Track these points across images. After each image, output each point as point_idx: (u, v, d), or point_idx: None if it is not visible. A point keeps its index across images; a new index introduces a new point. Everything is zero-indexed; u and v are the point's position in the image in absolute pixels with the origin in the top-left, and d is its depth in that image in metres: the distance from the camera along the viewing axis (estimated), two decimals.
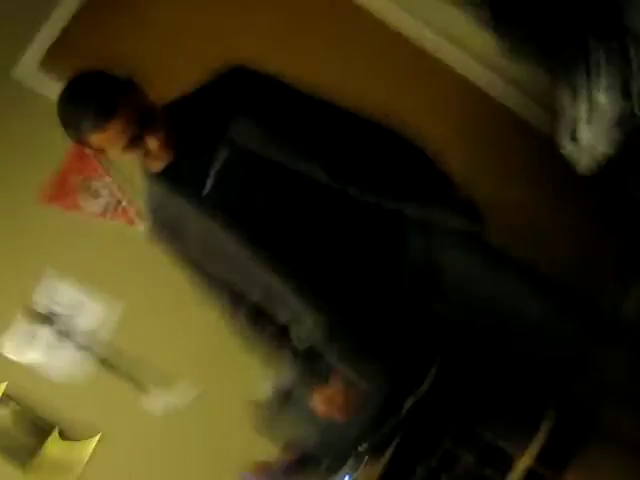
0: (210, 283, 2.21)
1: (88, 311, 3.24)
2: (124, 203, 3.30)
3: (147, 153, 1.99)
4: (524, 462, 2.77)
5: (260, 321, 2.19)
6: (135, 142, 1.95)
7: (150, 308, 3.25)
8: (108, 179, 3.29)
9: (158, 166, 2.07)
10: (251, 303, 2.17)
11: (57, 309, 3.24)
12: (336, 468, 2.34)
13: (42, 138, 3.17)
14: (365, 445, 2.27)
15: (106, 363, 3.19)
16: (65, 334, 3.21)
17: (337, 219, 2.07)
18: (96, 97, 1.91)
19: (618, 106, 1.87)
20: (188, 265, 2.22)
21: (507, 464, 2.77)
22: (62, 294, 3.25)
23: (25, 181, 3.25)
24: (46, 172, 3.27)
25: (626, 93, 1.89)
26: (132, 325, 3.24)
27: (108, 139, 1.93)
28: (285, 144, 2.03)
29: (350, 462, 2.31)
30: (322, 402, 2.20)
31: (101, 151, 2.00)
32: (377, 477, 2.32)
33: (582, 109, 1.97)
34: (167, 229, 2.17)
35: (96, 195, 3.30)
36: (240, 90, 2.08)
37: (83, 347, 3.21)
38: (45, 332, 3.21)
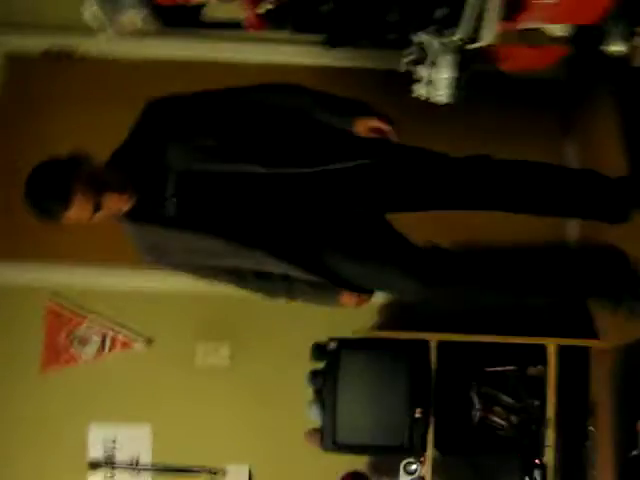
0: (204, 273, 2.56)
1: (127, 442, 3.51)
2: (112, 333, 3.53)
3: (112, 209, 2.27)
4: None
5: (263, 275, 2.53)
6: (98, 207, 2.21)
7: (175, 417, 3.50)
8: (87, 321, 3.52)
9: (125, 209, 2.34)
10: (248, 269, 2.52)
11: (110, 451, 3.50)
12: None
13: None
14: None
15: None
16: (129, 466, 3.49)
17: (276, 193, 2.40)
18: (51, 189, 2.16)
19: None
20: (181, 270, 2.56)
21: None
22: (108, 438, 3.50)
23: (23, 362, 3.50)
24: (37, 346, 3.51)
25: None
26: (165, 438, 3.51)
27: (76, 216, 2.20)
28: (214, 155, 2.34)
29: None
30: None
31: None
32: None
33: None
34: (152, 252, 2.47)
35: (85, 341, 3.53)
36: (158, 121, 2.37)
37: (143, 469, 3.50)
38: (114, 472, 3.50)
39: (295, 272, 2.47)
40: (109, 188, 2.21)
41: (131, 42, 3.24)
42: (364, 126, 2.40)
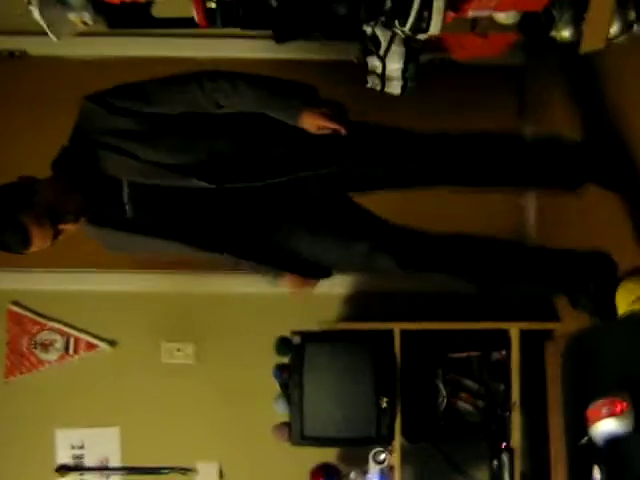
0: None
1: (96, 445, 3.49)
2: (74, 337, 3.50)
3: (72, 231, 2.25)
4: None
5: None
6: (58, 234, 2.20)
7: (142, 420, 3.50)
8: (49, 325, 3.49)
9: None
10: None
11: (79, 455, 3.49)
12: None
13: None
14: None
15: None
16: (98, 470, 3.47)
17: (229, 200, 2.38)
18: (8, 231, 2.14)
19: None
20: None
21: None
22: (75, 442, 3.48)
23: None
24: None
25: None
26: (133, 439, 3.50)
27: (37, 248, 2.19)
28: (158, 171, 2.29)
29: None
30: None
31: None
32: None
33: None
34: (117, 249, 2.51)
35: (48, 345, 3.50)
36: (93, 126, 2.30)
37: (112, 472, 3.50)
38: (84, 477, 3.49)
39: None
40: (65, 219, 2.20)
41: (81, 41, 3.19)
42: (311, 124, 2.33)
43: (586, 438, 2.07)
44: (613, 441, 2.06)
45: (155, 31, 3.18)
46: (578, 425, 2.15)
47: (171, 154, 2.30)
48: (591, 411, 2.09)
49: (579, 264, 2.67)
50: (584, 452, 2.15)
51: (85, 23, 2.57)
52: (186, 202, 2.36)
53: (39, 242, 2.17)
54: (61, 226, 2.20)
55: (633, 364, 2.07)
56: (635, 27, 2.13)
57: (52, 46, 2.71)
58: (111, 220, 2.35)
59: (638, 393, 1.99)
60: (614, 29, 2.10)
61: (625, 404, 1.99)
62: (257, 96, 2.32)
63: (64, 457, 3.47)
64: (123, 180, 2.31)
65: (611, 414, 1.98)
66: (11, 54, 3.50)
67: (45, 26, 2.48)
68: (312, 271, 2.61)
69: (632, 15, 2.11)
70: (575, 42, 2.13)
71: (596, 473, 2.09)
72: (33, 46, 3.41)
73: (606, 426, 2.03)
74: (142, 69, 2.92)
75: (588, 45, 2.07)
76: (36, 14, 2.44)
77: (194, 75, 2.33)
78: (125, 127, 2.28)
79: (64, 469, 3.46)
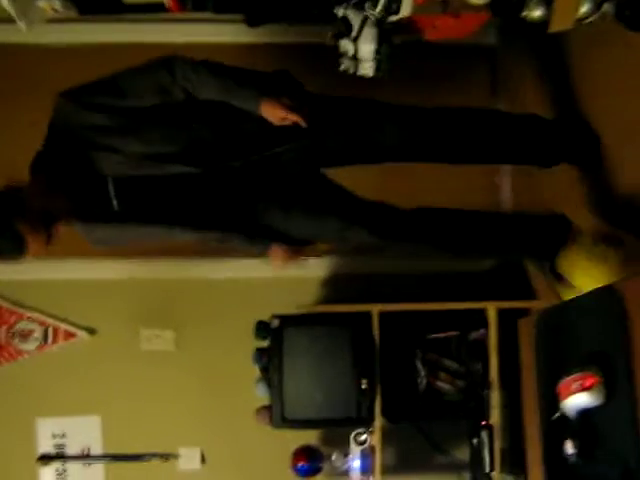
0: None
1: (77, 434, 3.49)
2: (53, 326, 3.48)
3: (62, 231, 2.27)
4: None
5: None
6: (50, 237, 2.21)
7: (123, 408, 3.49)
8: (27, 314, 3.47)
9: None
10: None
11: (61, 444, 3.48)
12: None
13: None
14: None
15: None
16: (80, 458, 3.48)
17: (213, 182, 2.41)
18: (3, 239, 2.15)
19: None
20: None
21: None
22: (57, 431, 3.48)
23: None
24: None
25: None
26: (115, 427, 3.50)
27: (33, 253, 2.20)
28: (141, 162, 2.31)
29: None
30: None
31: None
32: None
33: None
34: (107, 243, 2.51)
35: (27, 334, 3.48)
36: (71, 122, 2.29)
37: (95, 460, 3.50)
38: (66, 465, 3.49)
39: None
40: (57, 221, 2.22)
41: (52, 28, 3.17)
42: (272, 114, 2.34)
43: (558, 413, 2.11)
44: (584, 415, 2.09)
45: (126, 17, 3.16)
46: (551, 400, 2.18)
47: (154, 145, 2.31)
48: (562, 386, 2.12)
49: (539, 226, 2.73)
50: (557, 427, 2.18)
51: (55, 10, 2.56)
52: (172, 188, 2.37)
53: (35, 247, 2.19)
54: (54, 229, 2.21)
55: (602, 339, 2.10)
56: (605, 7, 2.14)
57: (21, 34, 2.69)
58: (100, 215, 2.36)
59: (607, 367, 2.02)
60: (584, 9, 2.12)
61: (595, 378, 2.03)
62: (219, 86, 2.33)
63: (46, 446, 3.47)
64: (108, 175, 2.31)
65: (582, 388, 2.02)
66: None
67: (14, 13, 2.46)
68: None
69: None
70: (546, 22, 2.15)
71: (568, 447, 2.13)
72: (2, 34, 3.36)
73: (577, 400, 2.07)
74: (114, 55, 2.93)
75: (557, 25, 2.08)
76: (5, 1, 2.42)
77: (164, 63, 2.32)
78: (103, 123, 2.28)
79: (46, 458, 3.46)
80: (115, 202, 2.34)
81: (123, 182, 2.33)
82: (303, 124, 2.35)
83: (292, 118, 2.33)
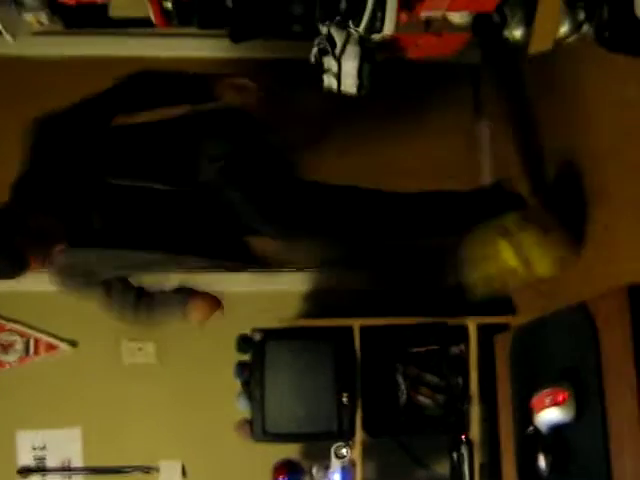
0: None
1: (57, 446, 3.49)
2: (34, 338, 3.48)
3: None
4: None
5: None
6: (47, 256, 2.26)
7: (104, 420, 3.49)
8: (8, 326, 3.46)
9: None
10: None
11: (41, 457, 3.47)
12: None
13: None
14: None
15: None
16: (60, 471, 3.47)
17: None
18: (5, 259, 2.18)
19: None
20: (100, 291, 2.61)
21: None
22: (37, 444, 3.47)
23: None
24: None
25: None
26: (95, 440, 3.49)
27: (33, 270, 2.24)
28: (122, 172, 2.35)
29: None
30: None
31: None
32: None
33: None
34: (80, 277, 2.50)
35: (8, 346, 3.47)
36: (52, 148, 2.32)
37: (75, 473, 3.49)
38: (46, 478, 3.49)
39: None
40: (54, 240, 2.27)
41: (37, 40, 3.18)
42: (223, 84, 2.46)
43: (532, 427, 2.13)
44: (557, 430, 2.12)
45: (112, 30, 3.18)
46: (525, 415, 2.21)
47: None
48: (536, 401, 2.15)
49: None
50: (531, 441, 2.21)
51: (41, 23, 2.56)
52: (151, 205, 2.40)
53: (35, 266, 2.23)
54: (52, 248, 2.25)
55: (573, 355, 2.13)
56: (584, 27, 2.17)
57: (7, 46, 2.70)
58: (81, 237, 2.35)
59: (579, 383, 2.06)
60: (564, 29, 2.15)
61: (566, 393, 2.06)
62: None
63: (26, 459, 3.46)
64: (87, 191, 2.33)
65: (553, 403, 2.05)
66: None
67: (0, 26, 2.47)
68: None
69: (581, 15, 2.15)
70: (527, 42, 2.18)
71: (541, 461, 2.15)
72: None
73: (549, 415, 2.10)
74: (99, 69, 2.94)
75: (536, 46, 2.11)
76: None
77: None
78: (80, 145, 2.31)
79: (26, 471, 3.45)
80: (95, 218, 2.35)
81: (103, 199, 2.35)
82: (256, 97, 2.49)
83: (245, 83, 2.49)
